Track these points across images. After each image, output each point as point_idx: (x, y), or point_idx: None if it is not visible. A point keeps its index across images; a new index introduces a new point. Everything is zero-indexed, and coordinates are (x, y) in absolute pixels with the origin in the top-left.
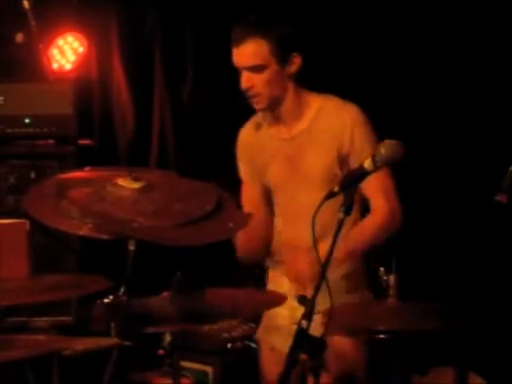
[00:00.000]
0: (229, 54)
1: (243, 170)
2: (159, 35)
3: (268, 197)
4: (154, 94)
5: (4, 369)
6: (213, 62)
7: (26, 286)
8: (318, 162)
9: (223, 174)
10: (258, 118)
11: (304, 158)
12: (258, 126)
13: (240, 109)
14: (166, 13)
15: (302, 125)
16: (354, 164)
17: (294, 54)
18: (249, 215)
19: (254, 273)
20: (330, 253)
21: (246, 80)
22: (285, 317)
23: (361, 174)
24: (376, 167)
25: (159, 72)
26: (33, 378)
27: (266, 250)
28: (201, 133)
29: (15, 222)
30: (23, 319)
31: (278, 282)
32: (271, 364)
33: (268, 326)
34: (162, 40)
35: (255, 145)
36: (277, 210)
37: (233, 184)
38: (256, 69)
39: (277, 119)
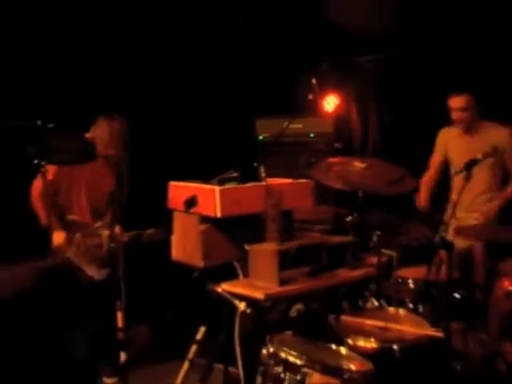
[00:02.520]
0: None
1: (437, 149)
2: (376, 92)
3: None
4: (369, 122)
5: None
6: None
7: (312, 212)
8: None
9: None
10: (455, 126)
11: (474, 148)
12: (454, 130)
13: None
14: (381, 80)
15: (477, 136)
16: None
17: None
18: (417, 181)
19: (432, 218)
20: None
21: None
22: None
23: None
24: None
25: (373, 110)
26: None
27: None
28: (394, 141)
29: (306, 182)
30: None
31: None
32: None
33: None
34: (376, 93)
35: (449, 138)
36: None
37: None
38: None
39: (465, 130)
